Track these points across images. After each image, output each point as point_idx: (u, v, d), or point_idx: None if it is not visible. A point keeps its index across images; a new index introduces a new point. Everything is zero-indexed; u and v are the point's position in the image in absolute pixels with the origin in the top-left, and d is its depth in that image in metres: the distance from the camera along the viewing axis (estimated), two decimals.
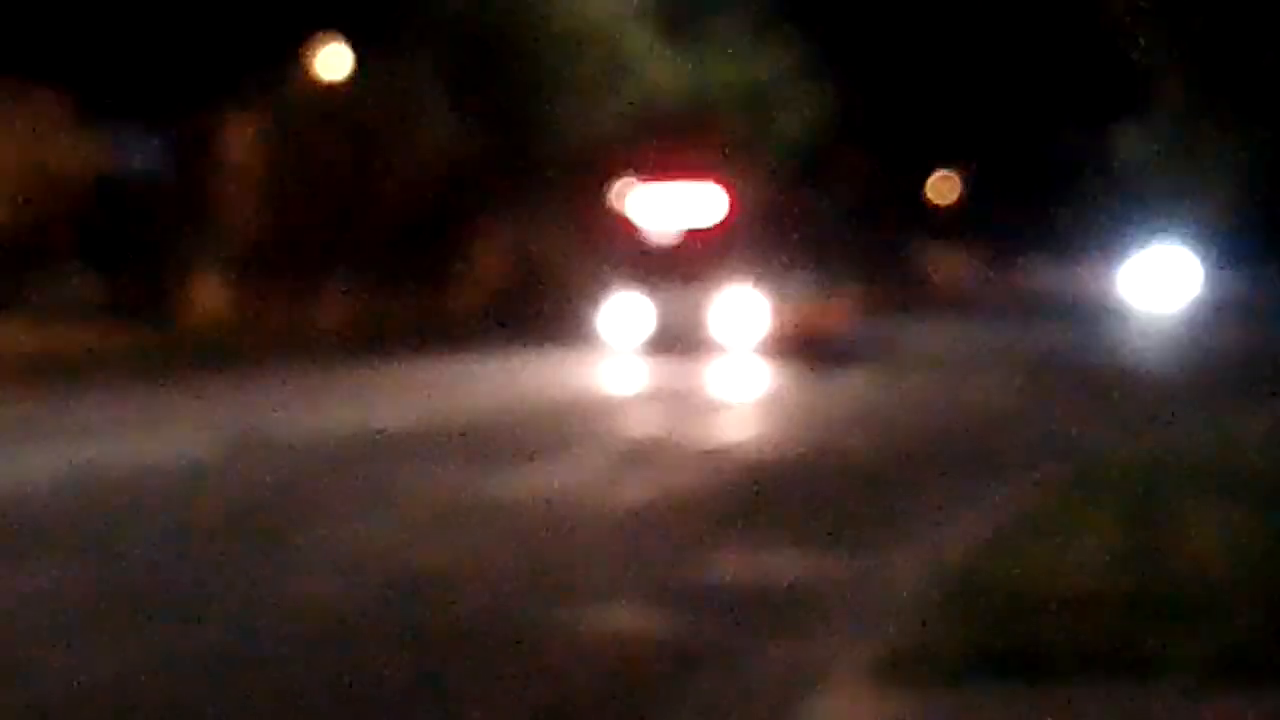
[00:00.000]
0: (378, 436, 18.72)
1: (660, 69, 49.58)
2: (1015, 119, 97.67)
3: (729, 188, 34.47)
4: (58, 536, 12.31)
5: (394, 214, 41.65)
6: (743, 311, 32.47)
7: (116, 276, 49.11)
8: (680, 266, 32.84)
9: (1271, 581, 8.34)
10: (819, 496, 14.30)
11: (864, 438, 18.91)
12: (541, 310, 37.46)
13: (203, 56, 45.87)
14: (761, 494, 14.53)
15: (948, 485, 14.78)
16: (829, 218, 43.10)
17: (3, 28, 43.78)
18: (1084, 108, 79.17)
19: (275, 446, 18.08)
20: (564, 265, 40.66)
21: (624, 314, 32.84)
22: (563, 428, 19.92)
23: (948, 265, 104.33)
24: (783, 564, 10.95)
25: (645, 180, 34.86)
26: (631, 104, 48.50)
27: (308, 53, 46.60)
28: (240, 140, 47.50)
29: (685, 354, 31.17)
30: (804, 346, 33.61)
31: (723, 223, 33.52)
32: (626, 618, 9.42)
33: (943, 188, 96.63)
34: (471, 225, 46.41)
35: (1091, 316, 54.25)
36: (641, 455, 17.10)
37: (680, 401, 23.87)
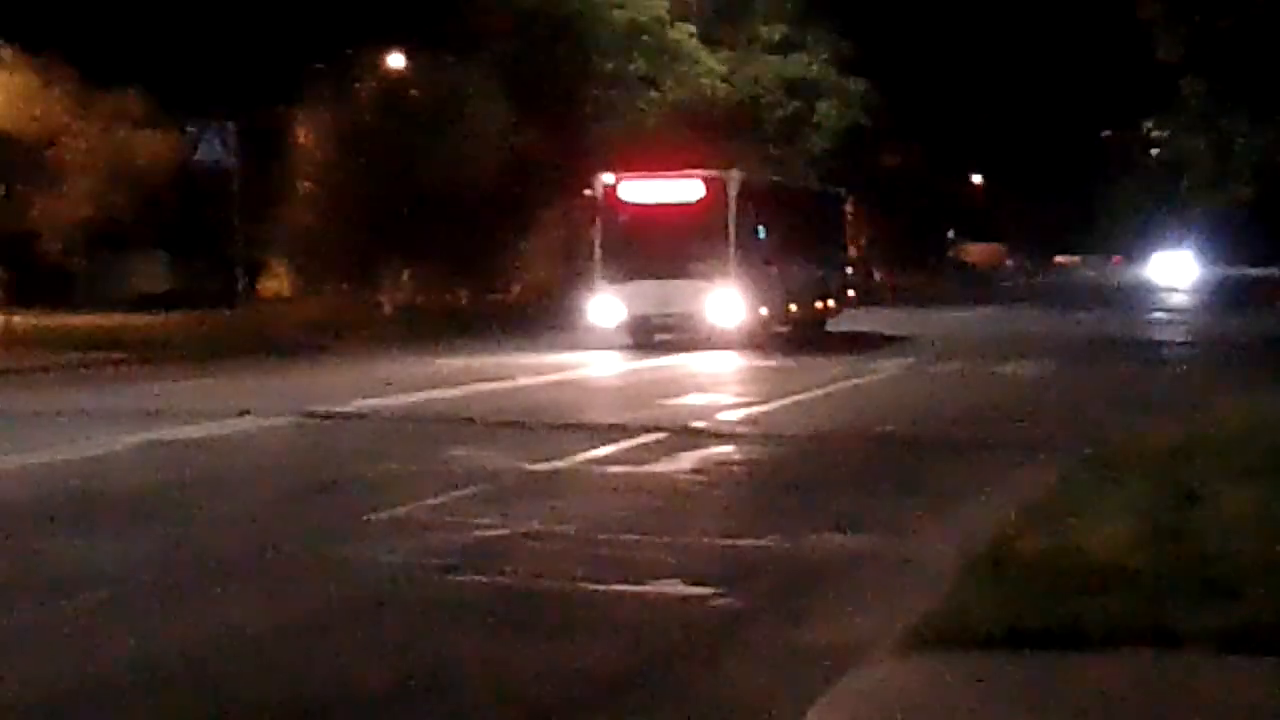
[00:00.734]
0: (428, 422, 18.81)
1: (705, 63, 49.53)
2: (1046, 117, 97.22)
3: (713, 182, 32.74)
4: (142, 505, 12.46)
5: (451, 206, 41.64)
6: (731, 303, 31.53)
7: (189, 264, 49.47)
8: (666, 259, 31.73)
9: None
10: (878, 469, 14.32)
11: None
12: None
13: (272, 55, 46.15)
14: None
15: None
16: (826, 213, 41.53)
17: (88, 33, 44.18)
18: (1116, 107, 78.78)
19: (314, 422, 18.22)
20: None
21: (611, 305, 32.03)
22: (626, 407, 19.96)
23: (981, 255, 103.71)
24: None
25: (629, 175, 33.50)
26: (678, 97, 48.53)
27: (370, 50, 46.73)
28: (306, 134, 47.67)
29: (672, 345, 30.97)
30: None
31: (706, 217, 32.00)
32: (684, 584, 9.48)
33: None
34: (525, 217, 46.40)
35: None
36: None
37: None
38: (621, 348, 31.22)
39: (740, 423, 18.49)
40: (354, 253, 44.83)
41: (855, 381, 24.66)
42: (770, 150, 53.12)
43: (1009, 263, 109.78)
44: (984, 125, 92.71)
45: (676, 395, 22.20)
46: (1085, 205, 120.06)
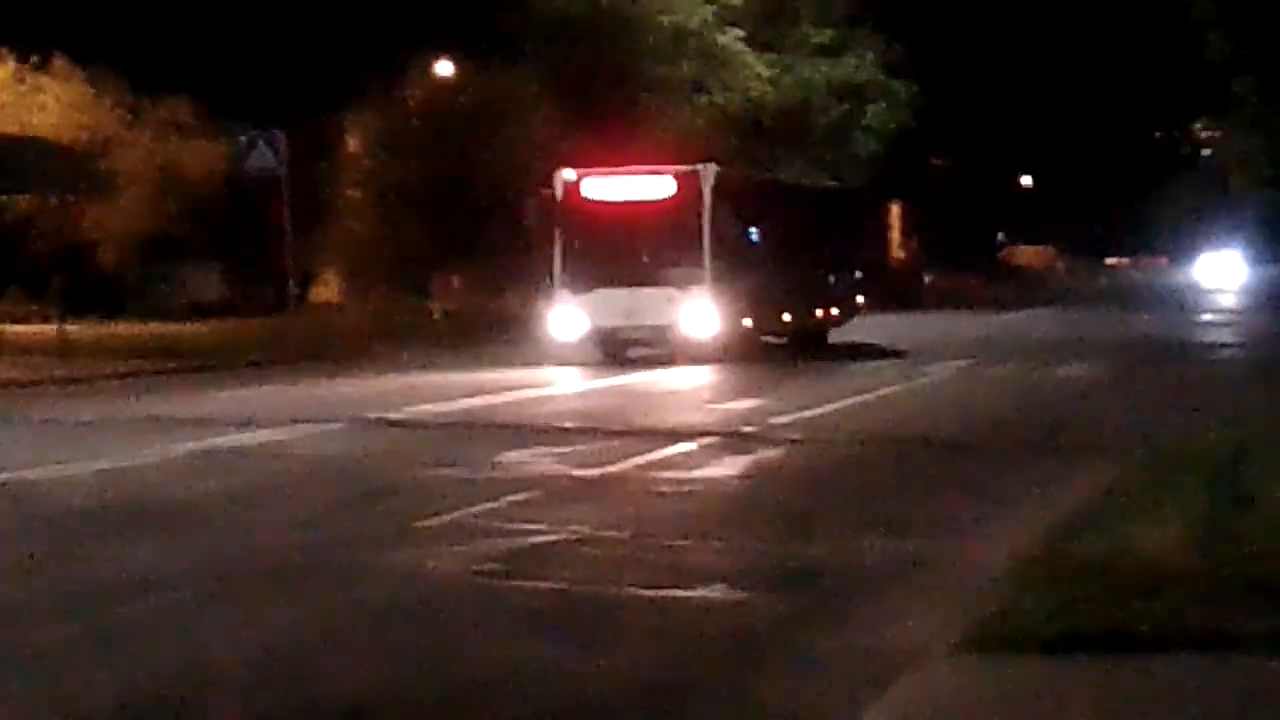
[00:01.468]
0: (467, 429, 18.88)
1: (753, 68, 49.47)
2: (1096, 119, 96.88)
3: (686, 178, 29.14)
4: (196, 512, 12.55)
5: (499, 211, 41.70)
6: (706, 313, 28.52)
7: (241, 272, 49.74)
8: (634, 264, 28.95)
9: None
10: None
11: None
12: None
13: (320, 63, 46.38)
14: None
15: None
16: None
17: (138, 43, 44.47)
18: (1166, 108, 78.40)
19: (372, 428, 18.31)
20: None
21: (573, 317, 29.16)
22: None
23: (1031, 257, 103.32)
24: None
25: (593, 171, 30.25)
26: (726, 101, 48.52)
27: (419, 57, 46.90)
28: (355, 141, 47.89)
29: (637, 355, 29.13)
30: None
31: (679, 216, 28.72)
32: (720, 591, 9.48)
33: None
34: None
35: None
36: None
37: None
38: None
39: (790, 426, 18.44)
40: (403, 259, 45.00)
41: (907, 385, 24.59)
42: (819, 153, 53.04)
43: (1059, 265, 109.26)
44: (1033, 127, 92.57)
45: (726, 400, 22.20)
46: (1135, 207, 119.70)
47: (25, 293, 39.59)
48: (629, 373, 27.04)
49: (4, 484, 14.26)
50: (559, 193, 29.60)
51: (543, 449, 16.30)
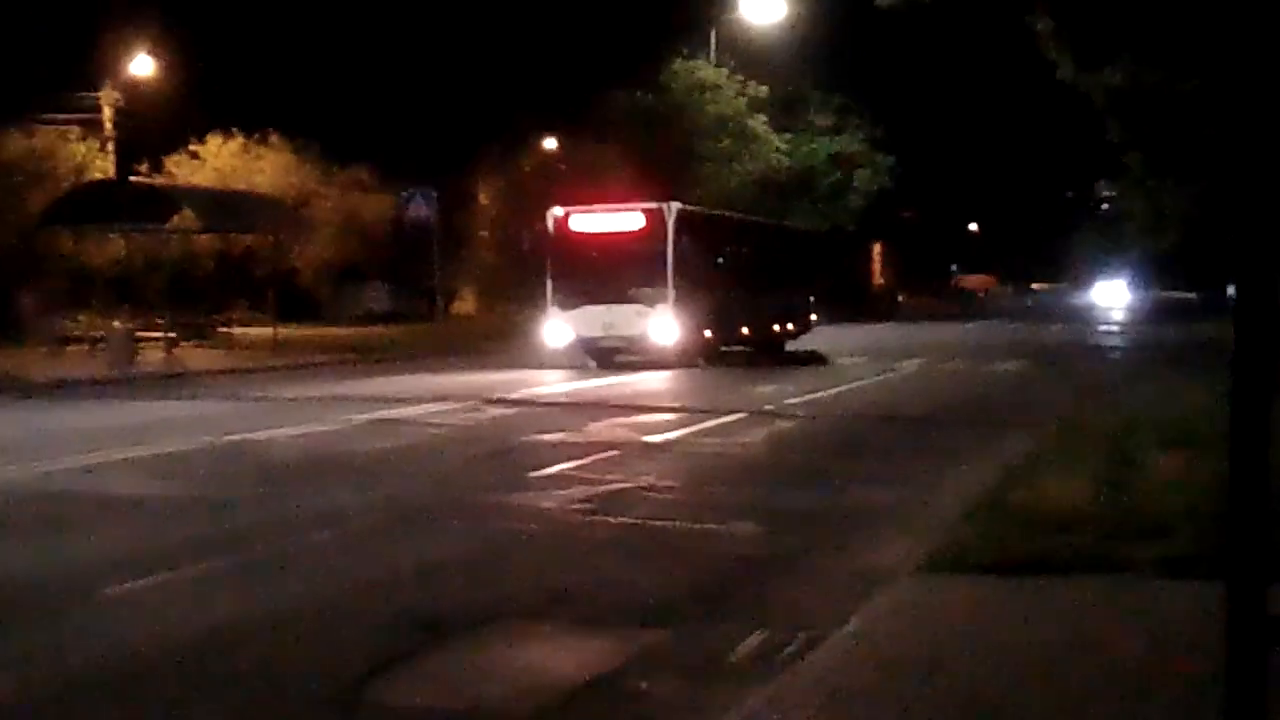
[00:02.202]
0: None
1: (773, 143, 49.29)
2: (1025, 180, 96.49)
3: (653, 213, 26.58)
4: (367, 466, 12.60)
5: None
6: (669, 324, 26.23)
7: (401, 290, 50.07)
8: (611, 284, 26.30)
9: (1203, 508, 8.17)
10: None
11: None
12: None
13: (460, 137, 46.82)
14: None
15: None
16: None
17: (329, 122, 44.95)
18: (1077, 173, 77.62)
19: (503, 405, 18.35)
20: None
21: (561, 329, 26.94)
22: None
23: (976, 283, 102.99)
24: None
25: (577, 209, 27.57)
26: (754, 168, 48.37)
27: (530, 133, 47.20)
28: (484, 195, 48.15)
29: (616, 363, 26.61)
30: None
31: (647, 245, 26.21)
32: (748, 525, 9.48)
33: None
34: None
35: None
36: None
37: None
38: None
39: (799, 405, 18.42)
40: (519, 282, 45.08)
41: (883, 377, 24.47)
42: (821, 207, 52.90)
43: (998, 288, 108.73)
44: (978, 187, 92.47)
45: (751, 385, 22.17)
46: (1053, 245, 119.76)
47: (249, 305, 39.88)
48: (679, 370, 26.84)
49: (237, 442, 14.38)
50: (550, 226, 27.38)
51: (621, 421, 16.28)
